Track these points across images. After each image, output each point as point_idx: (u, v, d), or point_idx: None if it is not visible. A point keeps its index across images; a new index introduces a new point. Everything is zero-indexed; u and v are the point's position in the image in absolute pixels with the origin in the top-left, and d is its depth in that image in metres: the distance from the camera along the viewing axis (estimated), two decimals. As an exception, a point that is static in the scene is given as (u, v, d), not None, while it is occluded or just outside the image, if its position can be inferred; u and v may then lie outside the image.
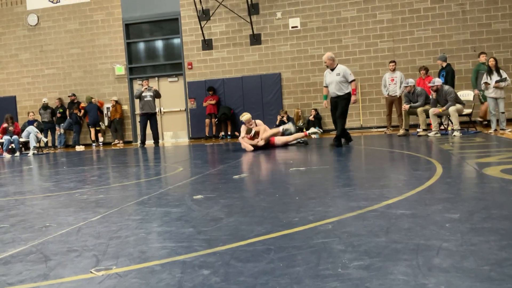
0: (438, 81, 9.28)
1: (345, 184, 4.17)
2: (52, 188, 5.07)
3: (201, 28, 13.62)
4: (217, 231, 2.64)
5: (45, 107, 14.37)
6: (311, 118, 12.82)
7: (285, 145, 8.83)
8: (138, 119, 14.02)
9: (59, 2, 14.97)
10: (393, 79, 11.34)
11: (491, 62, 9.12)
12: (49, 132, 14.41)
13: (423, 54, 12.54)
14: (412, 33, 12.62)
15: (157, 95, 12.45)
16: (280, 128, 8.25)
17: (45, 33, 15.11)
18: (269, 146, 8.71)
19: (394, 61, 11.56)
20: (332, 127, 11.20)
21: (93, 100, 14.30)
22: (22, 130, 12.45)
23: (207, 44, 13.88)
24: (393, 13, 12.71)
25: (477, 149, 6.44)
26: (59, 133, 14.68)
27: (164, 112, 14.64)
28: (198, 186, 4.57)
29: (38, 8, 15.13)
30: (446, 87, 9.22)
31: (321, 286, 1.72)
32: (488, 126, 10.08)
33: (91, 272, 2.06)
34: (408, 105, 9.73)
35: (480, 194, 3.29)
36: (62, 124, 14.57)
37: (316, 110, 12.94)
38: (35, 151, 11.93)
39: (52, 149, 14.17)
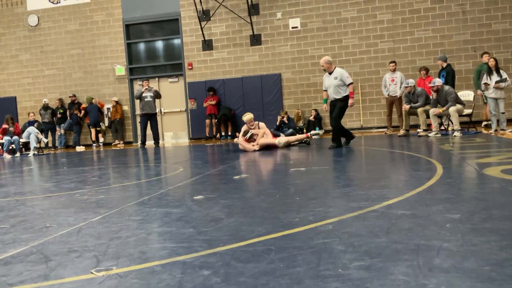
0: (438, 81, 9.27)
1: (346, 184, 4.17)
2: (53, 188, 5.07)
3: (201, 28, 13.62)
4: (218, 231, 2.64)
5: (45, 107, 14.38)
6: (311, 118, 12.82)
7: (287, 146, 8.81)
8: (138, 119, 14.02)
9: (60, 2, 14.98)
10: (393, 80, 11.34)
11: (491, 63, 9.12)
12: (49, 133, 14.41)
13: (423, 55, 12.54)
14: (412, 34, 12.62)
15: (157, 95, 12.45)
16: (276, 141, 8.22)
17: (45, 33, 15.12)
18: (270, 147, 8.67)
19: (394, 62, 11.56)
20: (333, 127, 11.19)
21: (93, 100, 14.30)
22: (23, 131, 12.46)
23: (207, 45, 13.88)
24: (393, 14, 12.71)
25: (477, 149, 6.43)
26: (59, 133, 14.68)
27: (164, 112, 14.64)
28: (198, 186, 4.57)
29: (38, 8, 15.14)
30: (447, 87, 9.22)
31: (321, 287, 1.72)
32: (488, 126, 10.08)
33: (91, 272, 2.06)
34: (409, 106, 9.73)
35: (481, 195, 3.28)
36: (63, 125, 14.58)
37: (316, 110, 12.94)
38: (36, 152, 11.94)
39: (53, 149, 14.18)
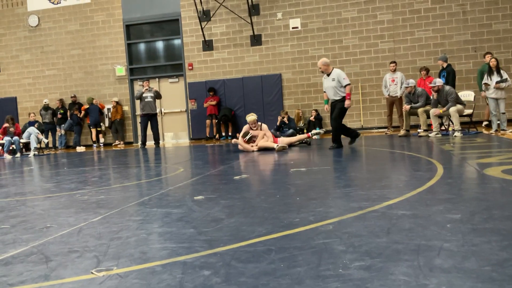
0: (439, 81, 9.27)
1: (346, 184, 4.17)
2: (53, 189, 5.08)
3: (202, 29, 13.63)
4: (218, 231, 2.64)
5: (46, 108, 14.39)
6: (311, 118, 12.83)
7: (287, 147, 8.80)
8: (138, 120, 14.03)
9: (60, 3, 14.99)
10: (393, 80, 11.34)
11: (493, 63, 9.11)
12: (49, 133, 14.42)
13: (424, 55, 12.54)
14: (412, 34, 12.62)
15: (157, 96, 12.46)
16: (275, 146, 8.22)
17: (45, 34, 15.13)
18: (269, 148, 8.65)
19: (394, 62, 11.56)
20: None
21: (94, 101, 14.30)
22: (23, 131, 12.46)
23: (207, 45, 13.89)
24: (393, 14, 12.71)
25: (478, 149, 6.43)
26: (59, 134, 14.69)
27: (164, 113, 14.65)
28: (199, 187, 4.57)
29: (38, 9, 15.15)
30: (447, 87, 9.22)
31: (322, 287, 1.72)
32: (489, 126, 10.07)
33: (92, 272, 2.06)
34: (409, 106, 9.73)
35: (481, 195, 3.28)
36: (63, 125, 14.58)
37: (316, 110, 12.94)
38: (36, 152, 11.94)
39: (53, 150, 14.18)
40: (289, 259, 2.05)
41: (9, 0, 15.38)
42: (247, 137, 8.53)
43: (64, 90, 15.05)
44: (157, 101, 12.83)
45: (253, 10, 13.49)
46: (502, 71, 9.13)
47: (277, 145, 8.18)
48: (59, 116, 14.52)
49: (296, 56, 13.35)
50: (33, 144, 11.96)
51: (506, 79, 9.02)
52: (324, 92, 8.28)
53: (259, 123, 8.81)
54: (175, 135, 14.80)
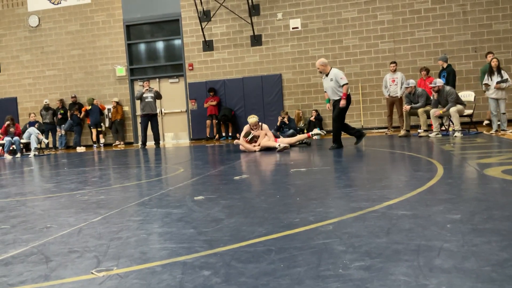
0: (439, 81, 9.28)
1: (346, 185, 4.17)
2: (53, 189, 5.08)
3: (202, 29, 13.63)
4: (218, 232, 2.64)
5: (46, 108, 14.39)
6: (312, 119, 12.82)
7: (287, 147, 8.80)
8: (139, 120, 14.03)
9: (60, 3, 15.00)
10: (394, 80, 11.34)
11: (494, 63, 9.10)
12: (50, 133, 14.42)
13: (424, 55, 12.54)
14: (413, 34, 12.62)
15: (158, 96, 12.46)
16: (276, 145, 8.23)
17: (46, 34, 15.14)
18: (270, 148, 8.66)
19: (395, 62, 11.57)
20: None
21: (94, 101, 14.30)
22: (23, 132, 12.47)
23: (208, 45, 13.89)
24: (393, 14, 12.71)
25: (478, 150, 6.43)
26: (60, 134, 14.69)
27: (165, 113, 14.65)
28: (199, 187, 4.57)
29: (39, 9, 15.15)
30: (447, 87, 9.22)
31: (322, 287, 1.72)
32: (490, 126, 10.07)
33: (92, 273, 2.06)
34: (409, 106, 9.73)
35: (481, 195, 3.28)
36: (63, 125, 14.58)
37: (317, 111, 12.94)
38: (36, 153, 11.95)
39: (53, 150, 14.19)
40: (289, 259, 2.05)
41: (10, 0, 15.39)
42: (249, 137, 8.54)
43: (65, 90, 15.05)
44: (158, 101, 12.84)
45: (254, 10, 13.50)
46: (502, 71, 9.13)
47: (279, 145, 8.18)
48: (59, 116, 14.52)
49: (296, 57, 13.35)
50: (33, 145, 11.96)
51: (507, 79, 9.02)
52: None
53: (260, 123, 8.82)
54: (175, 136, 14.80)
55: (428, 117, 9.44)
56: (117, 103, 14.38)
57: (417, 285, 1.67)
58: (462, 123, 9.32)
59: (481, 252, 1.99)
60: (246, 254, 2.19)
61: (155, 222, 3.03)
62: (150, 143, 12.85)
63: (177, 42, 14.42)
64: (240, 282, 1.83)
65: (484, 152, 6.05)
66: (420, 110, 9.56)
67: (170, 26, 14.43)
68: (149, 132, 12.35)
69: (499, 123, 9.13)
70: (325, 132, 10.27)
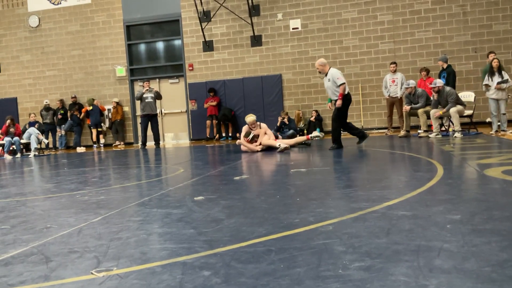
0: (439, 82, 9.28)
1: (346, 185, 4.17)
2: (53, 189, 5.08)
3: (202, 29, 13.63)
4: (218, 232, 2.64)
5: (47, 108, 14.39)
6: (312, 119, 12.82)
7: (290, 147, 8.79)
8: (139, 120, 14.03)
9: (60, 3, 15.00)
10: (394, 81, 11.34)
11: (495, 63, 9.10)
12: (50, 134, 14.42)
13: (424, 55, 12.55)
14: (413, 34, 12.62)
15: (158, 96, 12.46)
16: (277, 144, 8.22)
17: (46, 34, 15.14)
18: (271, 148, 8.66)
19: (395, 63, 11.57)
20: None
21: (95, 101, 14.31)
22: (23, 132, 12.47)
23: (208, 46, 13.90)
24: (393, 15, 12.71)
25: (478, 150, 6.43)
26: (60, 134, 14.69)
27: (165, 113, 14.65)
28: (199, 187, 4.57)
29: (39, 9, 15.16)
30: (448, 88, 9.22)
31: (322, 287, 1.72)
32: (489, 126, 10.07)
33: (92, 273, 2.06)
34: (409, 107, 9.73)
35: (481, 195, 3.28)
36: (63, 126, 14.58)
37: (317, 111, 12.94)
38: (36, 153, 11.95)
39: (53, 150, 14.19)
40: (289, 260, 2.05)
41: (10, 0, 15.40)
42: (250, 136, 8.55)
43: (65, 90, 15.05)
44: (158, 101, 12.84)
45: (254, 10, 13.50)
46: (503, 72, 9.13)
47: (279, 145, 8.18)
48: (59, 116, 14.52)
49: (296, 57, 13.35)
50: (34, 145, 11.97)
51: (507, 80, 9.02)
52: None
53: (258, 122, 8.82)
54: (175, 136, 14.80)
55: (428, 117, 9.44)
56: (117, 103, 14.38)
57: (417, 286, 1.67)
58: (462, 124, 9.32)
59: (481, 253, 1.99)
60: (246, 254, 2.19)
61: (155, 222, 3.03)
62: (150, 144, 12.85)
63: (177, 42, 14.43)
64: (240, 282, 1.83)
65: (484, 153, 6.05)
66: (420, 111, 9.56)
67: (170, 27, 14.43)
68: (149, 132, 12.36)
69: (499, 123, 9.14)
70: (323, 134, 10.28)
